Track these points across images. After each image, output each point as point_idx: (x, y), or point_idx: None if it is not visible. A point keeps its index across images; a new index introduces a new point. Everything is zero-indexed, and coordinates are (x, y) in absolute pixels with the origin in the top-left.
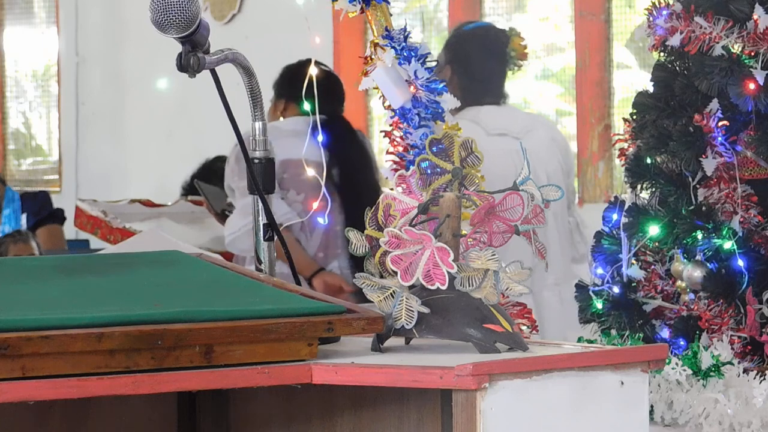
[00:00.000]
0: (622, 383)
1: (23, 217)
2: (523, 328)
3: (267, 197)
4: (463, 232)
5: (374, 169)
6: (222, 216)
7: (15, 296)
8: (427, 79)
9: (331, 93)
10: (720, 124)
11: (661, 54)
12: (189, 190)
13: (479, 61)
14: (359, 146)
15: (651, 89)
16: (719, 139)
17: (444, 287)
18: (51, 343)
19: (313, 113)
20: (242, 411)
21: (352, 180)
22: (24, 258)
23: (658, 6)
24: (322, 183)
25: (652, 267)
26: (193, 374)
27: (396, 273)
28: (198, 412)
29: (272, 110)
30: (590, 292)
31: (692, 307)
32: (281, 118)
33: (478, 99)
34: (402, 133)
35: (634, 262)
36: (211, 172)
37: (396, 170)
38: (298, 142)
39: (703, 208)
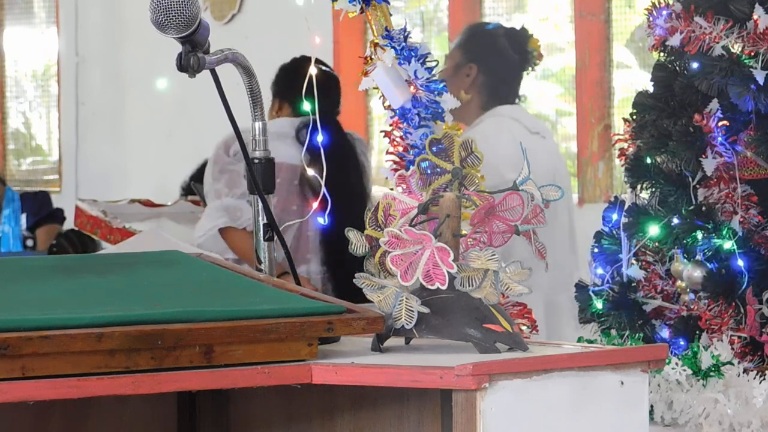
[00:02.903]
0: (622, 383)
1: (23, 217)
2: (523, 328)
3: (266, 197)
4: (463, 232)
5: (363, 174)
6: None
7: (15, 296)
8: (427, 79)
9: (327, 95)
10: (720, 124)
11: (661, 54)
12: (189, 190)
13: (505, 60)
14: (348, 150)
15: (651, 89)
16: (719, 139)
17: (444, 287)
18: (51, 343)
19: (313, 113)
20: (242, 411)
21: (334, 186)
22: (24, 258)
23: (658, 6)
24: (322, 183)
25: (652, 267)
26: (193, 374)
27: (396, 273)
28: (198, 412)
29: (269, 110)
30: (590, 292)
31: (692, 307)
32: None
33: (502, 98)
34: (402, 133)
35: (634, 262)
36: None
37: (396, 170)
38: (279, 144)
39: (703, 208)
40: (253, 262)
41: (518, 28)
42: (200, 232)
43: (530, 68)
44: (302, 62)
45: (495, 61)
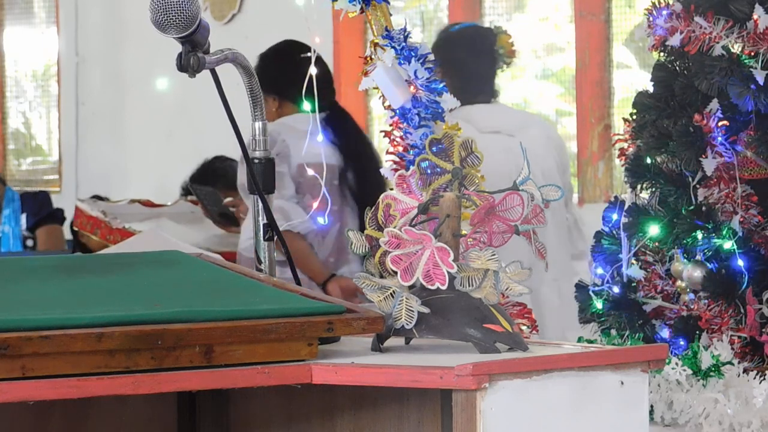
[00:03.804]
0: (622, 383)
1: (23, 217)
2: (523, 328)
3: (267, 197)
4: (463, 232)
5: (379, 164)
6: (218, 218)
7: (15, 296)
8: (427, 79)
9: (324, 82)
10: (720, 124)
11: (661, 54)
12: (188, 190)
13: (469, 61)
14: (367, 143)
15: (651, 89)
16: (719, 139)
17: (444, 287)
18: (51, 343)
19: (313, 112)
20: (242, 411)
21: (367, 182)
22: (24, 258)
23: (658, 6)
24: (323, 183)
25: (652, 267)
26: (193, 374)
27: (396, 273)
28: (198, 412)
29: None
30: (590, 292)
31: (692, 307)
32: (278, 117)
33: (470, 99)
34: (402, 133)
35: (634, 262)
36: (210, 172)
37: (396, 170)
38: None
39: (703, 208)
40: (303, 265)
41: (492, 27)
42: (249, 235)
43: (503, 66)
44: (283, 48)
45: (460, 63)
